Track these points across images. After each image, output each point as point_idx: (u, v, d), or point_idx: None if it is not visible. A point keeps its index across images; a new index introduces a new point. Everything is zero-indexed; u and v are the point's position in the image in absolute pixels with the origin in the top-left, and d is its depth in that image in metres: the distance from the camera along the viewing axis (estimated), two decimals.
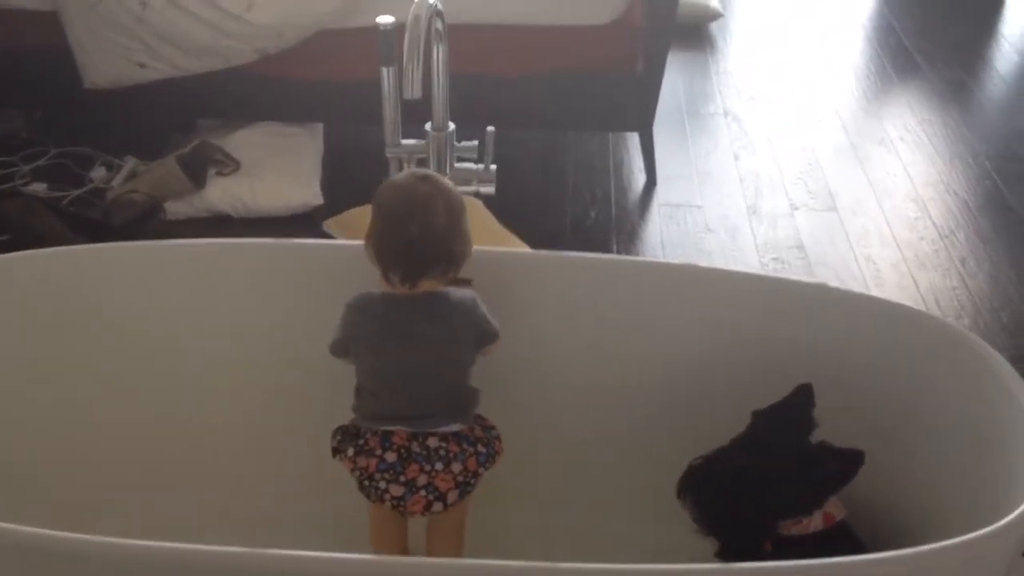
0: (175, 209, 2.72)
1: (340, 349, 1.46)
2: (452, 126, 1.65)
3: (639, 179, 3.07)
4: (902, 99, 3.64)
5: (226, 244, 1.69)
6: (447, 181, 1.41)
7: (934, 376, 1.51)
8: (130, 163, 2.88)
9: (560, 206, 2.90)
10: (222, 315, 1.67)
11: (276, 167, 2.82)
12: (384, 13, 1.57)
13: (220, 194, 2.74)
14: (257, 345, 1.68)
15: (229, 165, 2.79)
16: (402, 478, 1.41)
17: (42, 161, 2.93)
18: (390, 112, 1.64)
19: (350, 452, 1.44)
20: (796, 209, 2.91)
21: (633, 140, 3.21)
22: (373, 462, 1.41)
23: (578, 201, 2.93)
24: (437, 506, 1.42)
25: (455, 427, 1.44)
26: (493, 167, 1.67)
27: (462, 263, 1.41)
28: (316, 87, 2.88)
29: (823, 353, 1.58)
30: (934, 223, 2.87)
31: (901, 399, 1.55)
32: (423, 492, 1.41)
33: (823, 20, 4.35)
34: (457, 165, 1.67)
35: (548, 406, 1.69)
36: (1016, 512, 1.16)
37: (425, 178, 1.40)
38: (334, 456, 1.47)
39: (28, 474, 1.63)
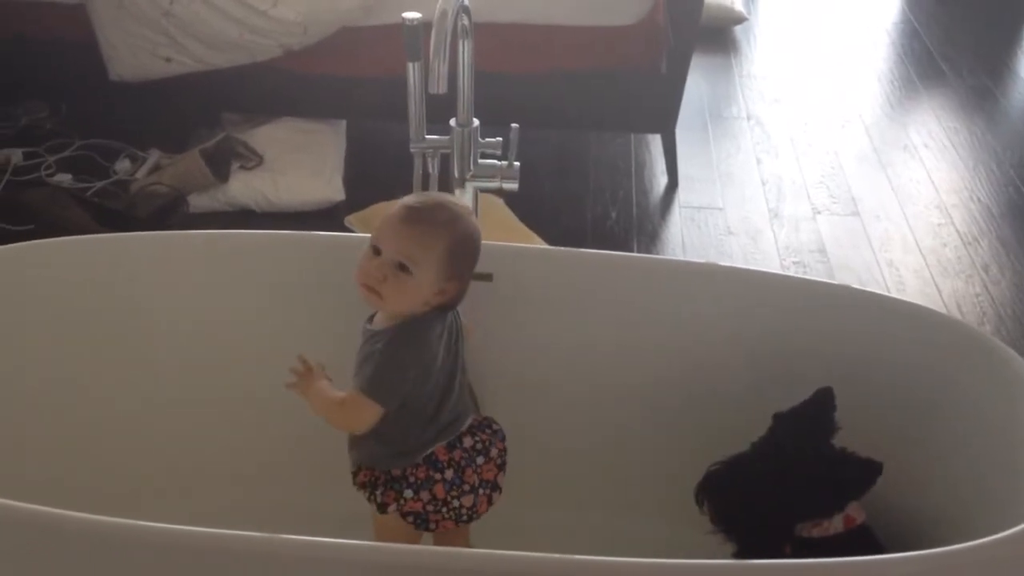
0: (198, 202, 2.73)
1: (394, 402, 1.34)
2: (476, 122, 1.65)
3: (660, 181, 3.06)
4: (926, 105, 3.62)
5: (248, 235, 1.70)
6: None
7: (957, 379, 1.50)
8: (154, 156, 2.90)
9: (581, 206, 2.90)
10: (242, 305, 1.68)
11: (299, 163, 2.83)
12: (407, 10, 1.57)
13: (243, 188, 2.76)
14: (277, 335, 1.68)
15: (252, 160, 2.81)
16: (466, 487, 1.38)
17: (67, 152, 2.94)
18: (415, 107, 1.64)
19: (408, 495, 1.36)
20: (819, 213, 2.90)
21: (655, 142, 3.20)
22: (439, 487, 1.37)
23: (599, 201, 2.93)
24: (495, 496, 1.42)
25: (470, 420, 1.43)
26: (517, 164, 1.66)
27: None
28: (340, 83, 2.89)
29: (846, 354, 1.57)
30: (957, 230, 2.85)
31: (923, 402, 1.54)
32: (481, 490, 1.40)
33: (847, 25, 4.33)
34: (481, 161, 1.67)
35: (566, 403, 1.69)
36: None
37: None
38: (384, 511, 1.38)
39: (35, 458, 1.63)
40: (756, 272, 1.85)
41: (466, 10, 1.52)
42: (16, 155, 2.88)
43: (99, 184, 2.80)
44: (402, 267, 1.30)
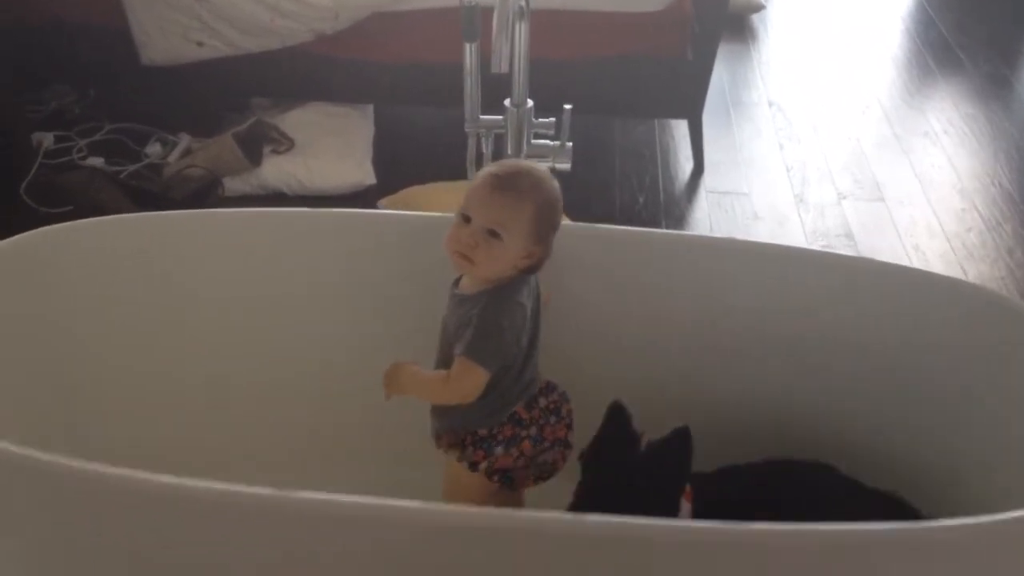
0: (231, 186, 2.75)
1: (496, 364, 1.38)
2: (531, 103, 1.68)
3: (685, 166, 3.09)
4: (944, 92, 3.65)
5: (293, 213, 1.71)
6: None
7: (985, 347, 1.52)
8: (184, 140, 2.92)
9: (608, 192, 2.92)
10: (290, 282, 1.70)
11: (330, 146, 2.85)
12: None
13: (275, 172, 2.78)
14: (315, 311, 1.71)
15: (284, 144, 2.83)
16: (547, 443, 1.44)
17: (98, 136, 2.96)
18: (471, 88, 1.67)
19: (499, 451, 1.42)
20: (844, 199, 2.93)
21: (678, 128, 3.23)
22: (526, 443, 1.42)
23: (626, 187, 2.96)
24: (568, 453, 1.46)
25: (540, 383, 1.48)
26: (569, 144, 1.70)
27: None
28: (369, 68, 2.91)
29: (870, 326, 1.59)
30: (980, 214, 2.89)
31: (950, 370, 1.56)
32: (557, 447, 1.45)
33: (862, 14, 4.36)
34: (534, 141, 1.70)
35: (593, 374, 1.68)
36: None
37: None
38: (475, 469, 1.43)
39: (75, 432, 1.65)
40: (775, 246, 1.85)
41: None
42: (48, 139, 2.90)
43: (132, 167, 2.82)
44: (493, 233, 1.35)
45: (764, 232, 2.76)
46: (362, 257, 1.69)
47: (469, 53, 1.63)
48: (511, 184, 1.36)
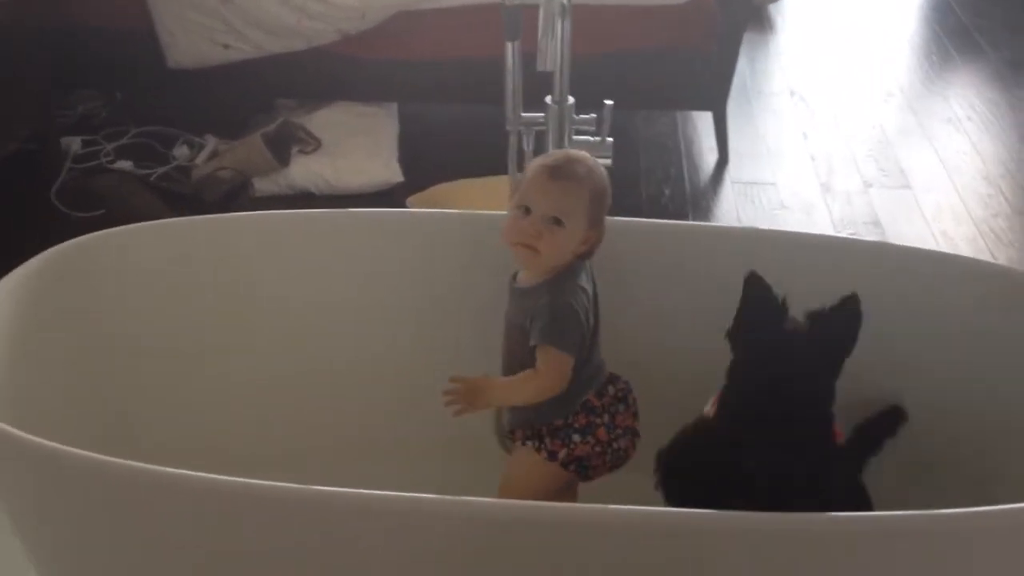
0: (259, 187, 2.77)
1: (575, 347, 1.41)
2: (572, 99, 1.69)
3: (709, 157, 3.10)
4: (965, 78, 3.65)
5: (352, 215, 1.74)
6: None
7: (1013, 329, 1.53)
8: (211, 142, 2.93)
9: (634, 184, 2.93)
10: (347, 284, 1.71)
11: (356, 145, 2.86)
12: None
13: (303, 172, 2.79)
14: (351, 310, 1.73)
15: (311, 144, 2.84)
16: (619, 431, 1.46)
17: (124, 140, 2.97)
18: (512, 87, 1.68)
19: (576, 439, 1.44)
20: (870, 186, 2.94)
21: (700, 119, 3.23)
22: (601, 430, 1.45)
23: (652, 179, 2.96)
24: (637, 441, 1.49)
25: (607, 371, 1.49)
26: (610, 140, 1.71)
27: None
28: (394, 67, 2.92)
29: (903, 312, 1.60)
30: (1007, 199, 2.89)
31: (983, 355, 1.57)
32: (628, 435, 1.47)
33: (877, 2, 4.36)
34: (575, 138, 1.71)
35: (637, 365, 1.70)
36: None
37: None
38: (553, 459, 1.44)
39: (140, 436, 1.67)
40: (798, 234, 1.87)
41: None
42: (75, 143, 2.91)
43: (160, 170, 2.84)
44: (556, 221, 1.39)
45: (792, 221, 2.77)
46: (397, 255, 1.70)
47: (511, 52, 1.64)
48: (567, 172, 1.40)
